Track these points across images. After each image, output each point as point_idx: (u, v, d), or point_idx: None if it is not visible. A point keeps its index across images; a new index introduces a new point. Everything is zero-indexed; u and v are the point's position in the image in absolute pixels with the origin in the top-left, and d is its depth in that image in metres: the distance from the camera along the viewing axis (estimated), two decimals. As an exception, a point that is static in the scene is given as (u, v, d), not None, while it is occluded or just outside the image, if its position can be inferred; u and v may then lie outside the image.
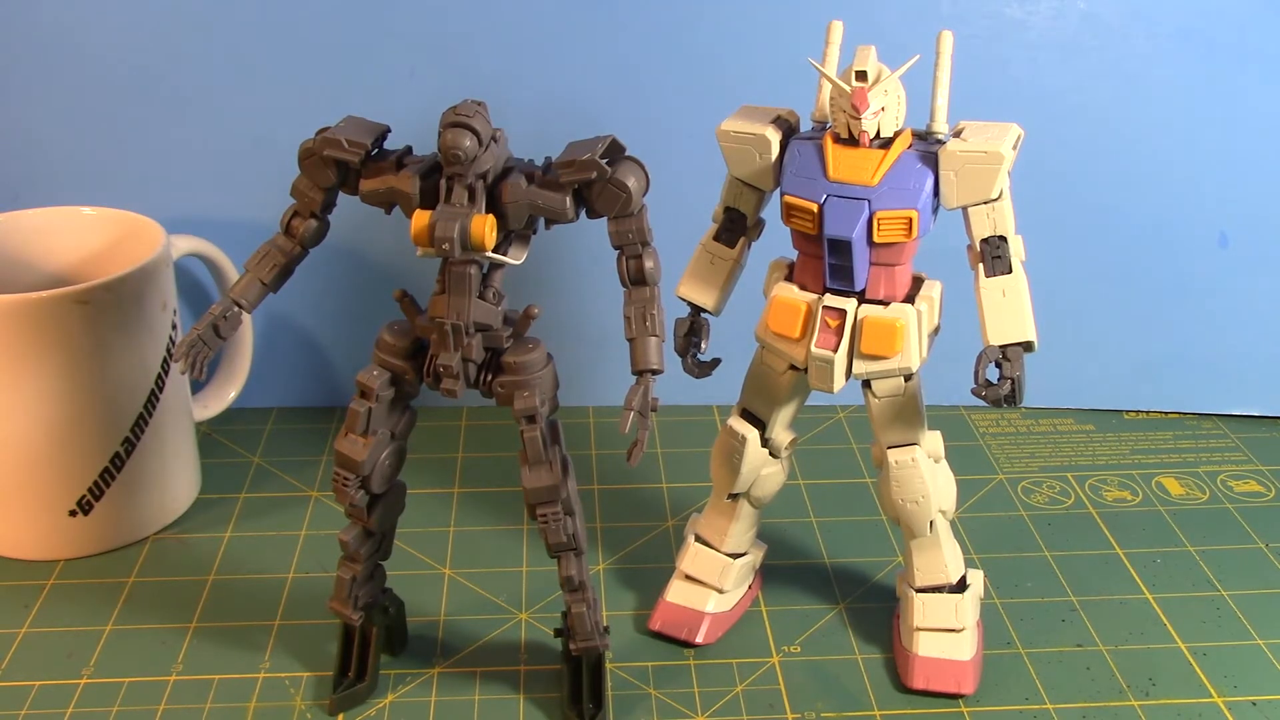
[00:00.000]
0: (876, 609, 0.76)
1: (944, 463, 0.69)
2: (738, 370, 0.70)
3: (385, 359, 0.63)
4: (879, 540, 0.82)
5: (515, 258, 0.62)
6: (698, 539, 0.75)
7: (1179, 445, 0.94)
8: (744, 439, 0.69)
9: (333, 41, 0.87)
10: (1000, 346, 0.62)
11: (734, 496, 0.72)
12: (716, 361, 0.71)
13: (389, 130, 0.62)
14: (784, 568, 0.80)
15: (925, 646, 0.70)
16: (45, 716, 0.67)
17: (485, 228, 0.58)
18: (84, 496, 0.79)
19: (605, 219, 0.60)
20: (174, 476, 0.84)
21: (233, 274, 0.87)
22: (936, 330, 0.67)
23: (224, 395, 0.91)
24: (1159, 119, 0.89)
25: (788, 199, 0.63)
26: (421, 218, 0.58)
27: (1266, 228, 0.92)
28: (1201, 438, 0.95)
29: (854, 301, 0.64)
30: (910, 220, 0.62)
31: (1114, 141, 0.90)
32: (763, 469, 0.71)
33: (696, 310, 0.70)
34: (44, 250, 0.86)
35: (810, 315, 0.65)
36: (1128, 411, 0.98)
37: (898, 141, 0.62)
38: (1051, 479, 0.90)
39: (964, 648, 0.69)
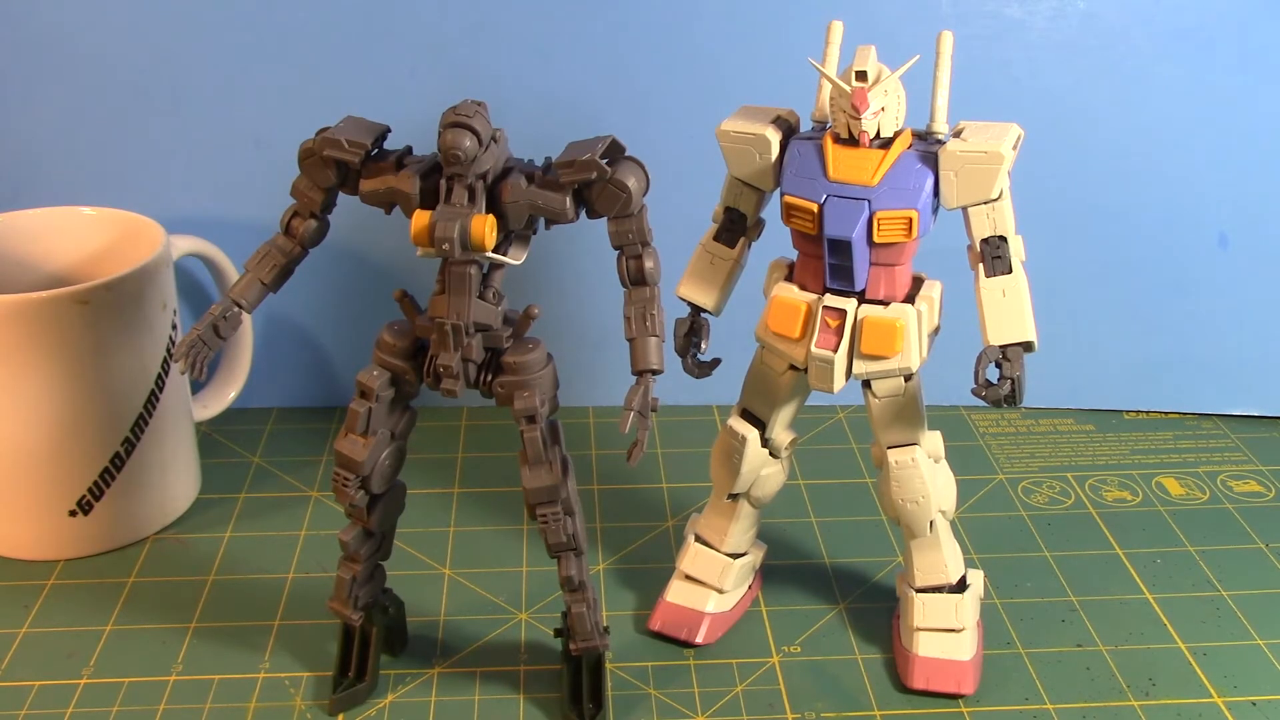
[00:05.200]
0: (876, 609, 0.76)
1: (944, 463, 0.69)
2: (738, 370, 0.70)
3: (385, 359, 0.63)
4: (879, 540, 0.82)
5: (515, 258, 0.62)
6: (698, 539, 0.75)
7: (1179, 445, 0.94)
8: (744, 439, 0.69)
9: (333, 41, 0.87)
10: (1000, 346, 0.62)
11: (734, 496, 0.72)
12: (716, 361, 0.71)
13: (389, 130, 0.62)
14: (784, 568, 0.80)
15: (925, 646, 0.70)
16: (45, 716, 0.67)
17: (485, 228, 0.58)
18: (84, 496, 0.79)
19: (605, 219, 0.60)
20: (174, 476, 0.84)
21: (233, 274, 0.87)
22: (936, 330, 0.67)
23: (224, 395, 0.91)
24: (1159, 119, 0.89)
25: (788, 199, 0.63)
26: (421, 218, 0.58)
27: (1266, 228, 0.92)
28: (1201, 438, 0.95)
29: (854, 301, 0.64)
30: (910, 220, 0.62)
31: (1114, 141, 0.90)
32: (763, 469, 0.71)
33: (696, 310, 0.70)
34: (44, 250, 0.86)
35: (810, 315, 0.65)
36: (1128, 411, 0.98)
37: (898, 141, 0.62)
38: (1051, 479, 0.90)
39: (964, 648, 0.69)
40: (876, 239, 0.62)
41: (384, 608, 0.70)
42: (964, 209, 0.63)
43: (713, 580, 0.74)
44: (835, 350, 0.64)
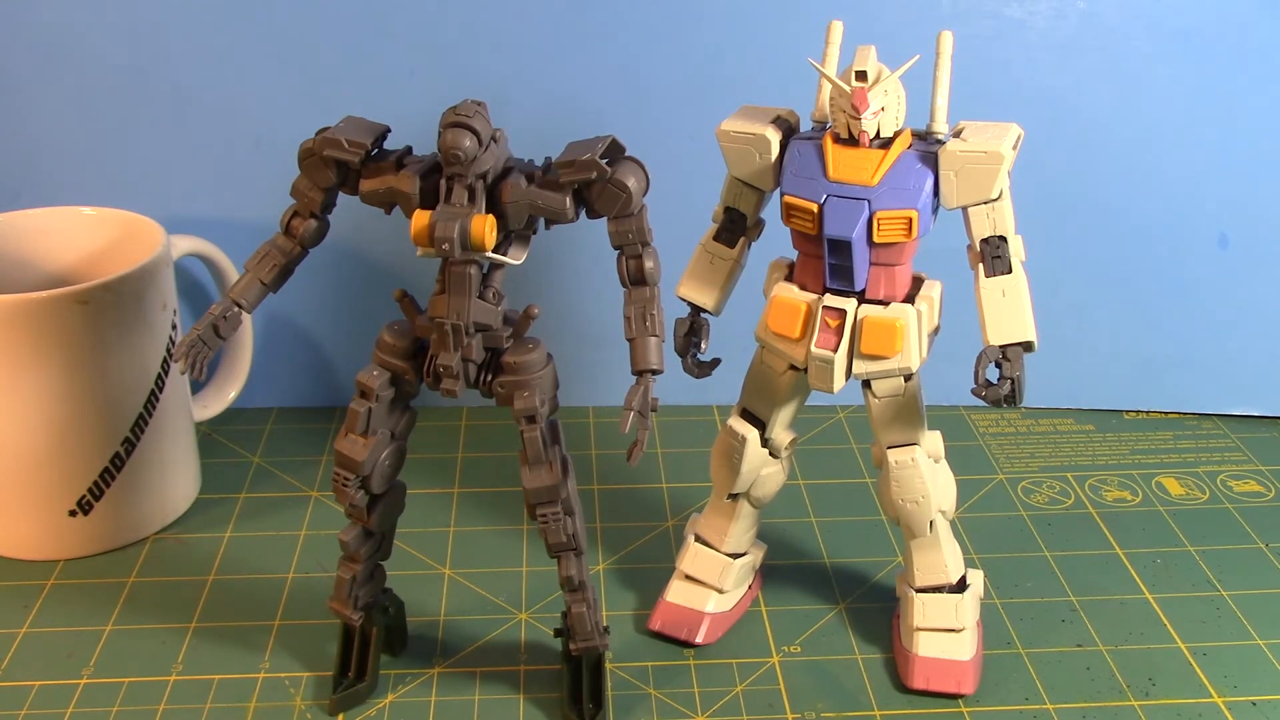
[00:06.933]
0: (876, 609, 0.76)
1: (944, 463, 0.69)
2: (738, 370, 0.70)
3: (385, 359, 0.63)
4: (879, 540, 0.82)
5: (515, 258, 0.62)
6: (698, 539, 0.75)
7: (1179, 445, 0.94)
8: (744, 439, 0.69)
9: (333, 41, 0.87)
10: (1000, 346, 0.62)
11: (734, 496, 0.72)
12: (716, 361, 0.71)
13: (389, 130, 0.62)
14: (784, 568, 0.80)
15: (925, 646, 0.70)
16: (45, 716, 0.67)
17: (485, 228, 0.58)
18: (84, 496, 0.79)
19: (605, 219, 0.60)
20: (174, 476, 0.84)
21: (233, 274, 0.87)
22: (936, 330, 0.67)
23: (224, 395, 0.91)
24: (1159, 119, 0.89)
25: (788, 199, 0.63)
26: (421, 218, 0.58)
27: (1266, 228, 0.92)
28: (1201, 438, 0.95)
29: (854, 301, 0.64)
30: (910, 220, 0.62)
31: (1114, 141, 0.90)
32: (763, 469, 0.71)
33: (696, 310, 0.70)
34: (44, 250, 0.86)
35: (810, 315, 0.65)
36: (1128, 411, 0.98)
37: (898, 141, 0.62)
38: (1051, 479, 0.90)
39: (964, 648, 0.69)
40: (876, 239, 0.62)
41: (384, 608, 0.70)
42: (964, 209, 0.63)
43: (713, 580, 0.74)
44: (835, 350, 0.64)
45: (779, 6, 0.86)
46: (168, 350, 0.80)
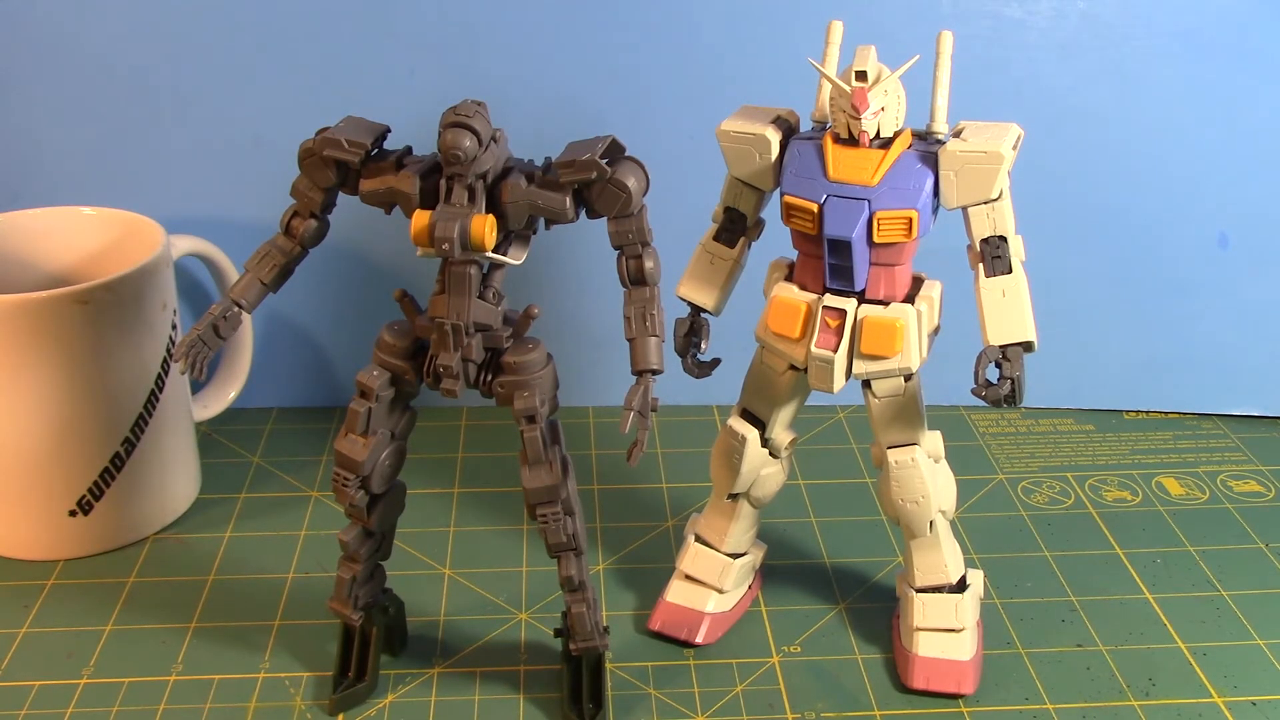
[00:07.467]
0: (876, 609, 0.76)
1: (944, 463, 0.69)
2: (738, 370, 0.70)
3: (385, 359, 0.63)
4: (879, 540, 0.82)
5: (515, 258, 0.62)
6: (698, 539, 0.75)
7: (1179, 445, 0.94)
8: (744, 439, 0.69)
9: (333, 41, 0.87)
10: (1000, 346, 0.62)
11: (734, 496, 0.72)
12: (716, 361, 0.71)
13: (389, 130, 0.62)
14: (784, 568, 0.80)
15: (925, 646, 0.70)
16: (45, 716, 0.67)
17: (485, 228, 0.58)
18: (84, 496, 0.79)
19: (605, 219, 0.60)
20: (174, 476, 0.84)
21: (233, 274, 0.87)
22: (936, 330, 0.67)
23: (224, 395, 0.91)
24: (1159, 119, 0.89)
25: (788, 199, 0.63)
26: (421, 218, 0.58)
27: (1266, 228, 0.92)
28: (1201, 438, 0.95)
29: (854, 301, 0.64)
30: (910, 220, 0.62)
31: (1114, 141, 0.90)
32: (763, 469, 0.71)
33: (696, 310, 0.70)
34: (44, 250, 0.86)
35: (810, 315, 0.65)
36: (1128, 411, 0.98)
37: (898, 141, 0.62)
38: (1051, 479, 0.90)
39: (964, 648, 0.69)
40: (876, 239, 0.62)
41: (384, 608, 0.70)
42: (964, 209, 0.63)
43: (713, 580, 0.74)
44: (835, 350, 0.64)
45: (779, 6, 0.86)
46: (168, 350, 0.80)
